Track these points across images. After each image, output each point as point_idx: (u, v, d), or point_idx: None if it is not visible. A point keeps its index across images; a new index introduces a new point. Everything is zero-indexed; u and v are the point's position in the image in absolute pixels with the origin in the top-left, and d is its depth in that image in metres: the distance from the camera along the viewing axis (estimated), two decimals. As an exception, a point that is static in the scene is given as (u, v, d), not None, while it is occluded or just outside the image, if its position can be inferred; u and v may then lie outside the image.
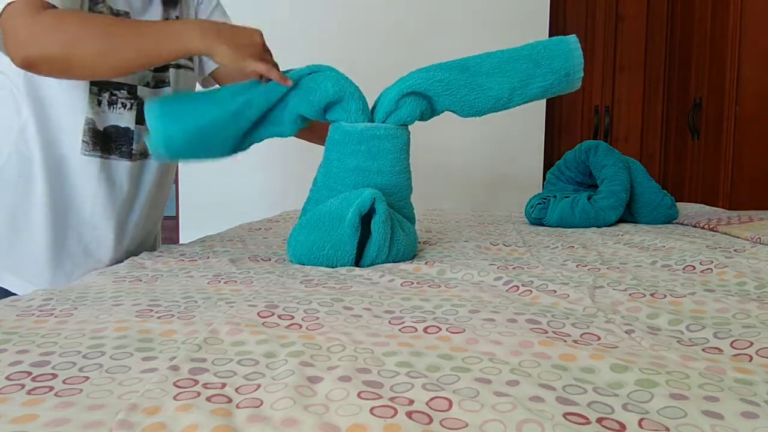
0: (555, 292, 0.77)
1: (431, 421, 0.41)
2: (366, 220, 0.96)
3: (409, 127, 1.06)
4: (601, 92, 3.01)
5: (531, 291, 0.78)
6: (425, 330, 0.62)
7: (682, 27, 2.84)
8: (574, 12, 2.98)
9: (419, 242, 1.16)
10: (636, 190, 1.54)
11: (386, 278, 0.87)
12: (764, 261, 0.95)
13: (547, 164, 2.67)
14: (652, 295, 0.75)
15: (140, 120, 1.08)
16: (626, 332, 0.61)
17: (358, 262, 0.98)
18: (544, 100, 2.68)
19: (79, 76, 0.96)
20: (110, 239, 1.09)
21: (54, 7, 0.89)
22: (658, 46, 2.99)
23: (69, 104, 1.00)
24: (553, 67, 1.03)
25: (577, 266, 0.97)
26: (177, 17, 1.12)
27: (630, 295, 0.75)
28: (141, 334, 0.60)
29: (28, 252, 1.03)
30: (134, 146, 1.08)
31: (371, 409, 0.42)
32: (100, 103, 1.03)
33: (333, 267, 0.96)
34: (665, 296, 0.74)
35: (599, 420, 0.41)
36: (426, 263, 0.97)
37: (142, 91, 1.08)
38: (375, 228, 0.96)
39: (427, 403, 0.43)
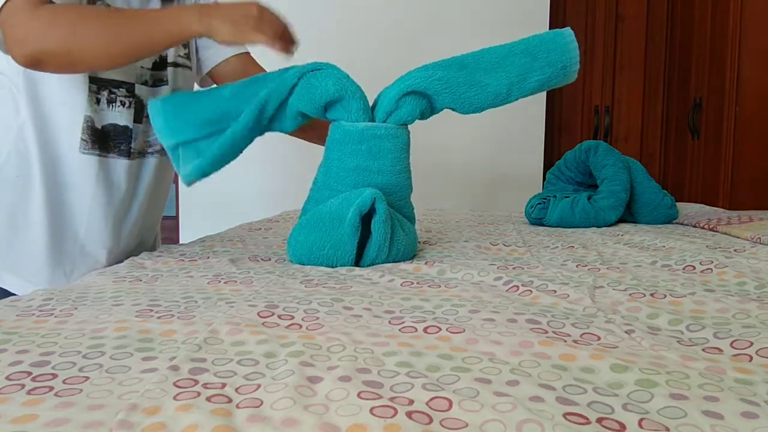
0: (555, 292, 0.77)
1: (431, 421, 0.41)
2: (366, 219, 0.96)
3: (408, 126, 1.06)
4: (601, 92, 3.01)
5: (531, 291, 0.78)
6: (425, 330, 0.62)
7: (682, 27, 2.84)
8: (574, 12, 2.98)
9: (419, 242, 1.16)
10: (636, 190, 1.54)
11: (386, 278, 0.87)
12: (764, 261, 0.95)
13: (547, 164, 2.67)
14: (652, 295, 0.75)
15: (138, 118, 1.08)
16: (626, 332, 0.61)
17: (358, 262, 0.98)
18: (545, 100, 2.68)
19: (84, 69, 0.95)
20: (107, 237, 1.08)
21: (51, 2, 0.88)
22: (658, 46, 2.99)
23: (68, 102, 1.00)
24: (550, 60, 1.03)
25: (577, 266, 0.97)
26: None
27: (630, 295, 0.75)
28: (141, 334, 0.60)
29: (27, 251, 1.03)
30: (132, 144, 1.08)
31: (371, 409, 0.42)
32: (98, 101, 1.03)
33: (333, 267, 0.96)
34: (665, 296, 0.74)
35: (599, 420, 0.41)
36: (426, 263, 0.97)
37: (140, 89, 1.08)
38: (375, 228, 0.96)
39: (427, 403, 0.43)
